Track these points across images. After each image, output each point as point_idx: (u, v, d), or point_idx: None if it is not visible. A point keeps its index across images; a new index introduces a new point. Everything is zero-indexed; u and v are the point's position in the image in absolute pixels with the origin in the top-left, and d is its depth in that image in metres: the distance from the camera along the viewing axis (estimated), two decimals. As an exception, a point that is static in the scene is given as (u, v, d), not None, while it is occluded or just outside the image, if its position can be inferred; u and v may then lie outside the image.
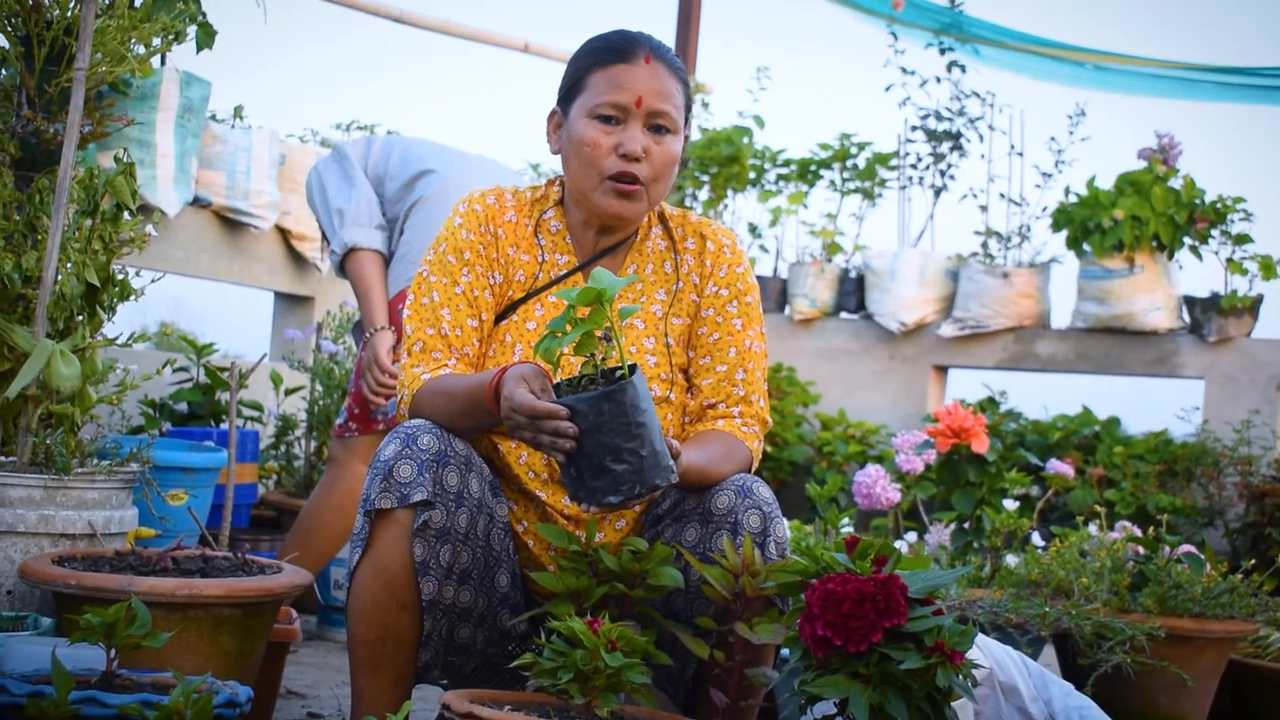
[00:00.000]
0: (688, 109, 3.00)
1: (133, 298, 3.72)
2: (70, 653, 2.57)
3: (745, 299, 3.02)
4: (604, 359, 2.57)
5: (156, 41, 3.93)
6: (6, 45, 3.89)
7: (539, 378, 2.61)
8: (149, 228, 3.75)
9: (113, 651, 2.55)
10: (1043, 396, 7.54)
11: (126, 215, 3.72)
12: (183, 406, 5.54)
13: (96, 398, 3.61)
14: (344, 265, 4.55)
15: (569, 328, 2.51)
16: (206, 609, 2.97)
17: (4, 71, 3.99)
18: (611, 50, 2.93)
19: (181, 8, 4.02)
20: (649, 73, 2.91)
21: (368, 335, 4.47)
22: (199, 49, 4.40)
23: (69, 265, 3.56)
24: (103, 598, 2.91)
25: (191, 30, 4.17)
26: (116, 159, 3.71)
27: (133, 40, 3.83)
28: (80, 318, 3.62)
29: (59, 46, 3.78)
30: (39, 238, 3.59)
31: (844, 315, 8.00)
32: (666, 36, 8.58)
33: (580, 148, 2.91)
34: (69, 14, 3.77)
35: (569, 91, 2.97)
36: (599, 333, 2.53)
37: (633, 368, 2.55)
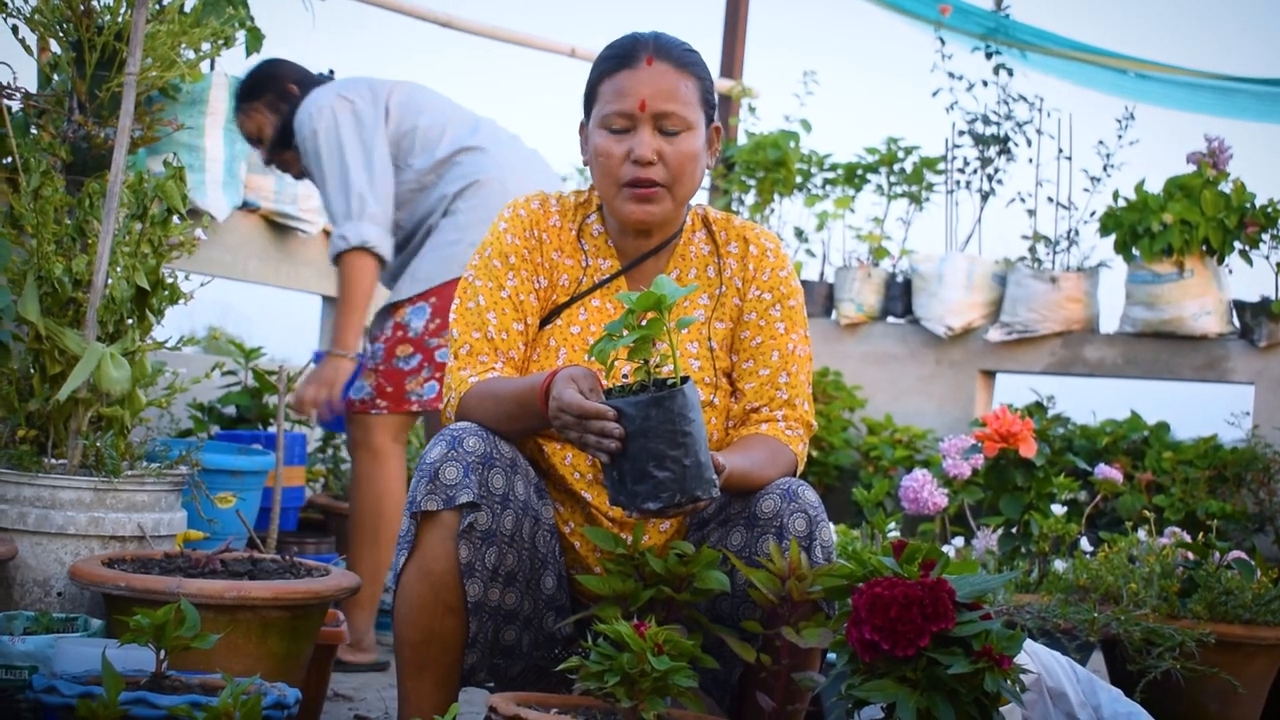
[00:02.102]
0: (709, 102, 2.97)
1: (182, 301, 3.75)
2: (120, 654, 2.59)
3: (788, 303, 3.01)
4: (658, 365, 2.57)
5: (206, 46, 3.96)
6: (58, 51, 3.92)
7: (589, 379, 2.61)
8: (198, 232, 3.78)
9: (162, 653, 2.57)
10: (1091, 401, 7.49)
11: (176, 219, 3.74)
12: (231, 410, 5.57)
13: (146, 401, 3.64)
14: (344, 257, 4.43)
15: (625, 331, 2.52)
16: (255, 611, 2.99)
17: (56, 77, 4.03)
18: (615, 57, 2.93)
19: (230, 13, 4.05)
20: (651, 75, 2.89)
21: (332, 353, 4.35)
22: (248, 53, 4.43)
23: (119, 269, 3.59)
24: (152, 599, 2.93)
25: (240, 35, 4.19)
26: (166, 163, 3.74)
27: (182, 45, 3.85)
28: (130, 321, 3.64)
29: (110, 52, 3.81)
30: (89, 242, 3.62)
31: (891, 320, 7.97)
32: (713, 41, 8.61)
33: (597, 159, 2.93)
34: (120, 19, 3.80)
35: (587, 104, 2.99)
36: (657, 343, 2.54)
37: (685, 378, 2.55)
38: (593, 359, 2.65)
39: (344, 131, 4.46)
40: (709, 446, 2.59)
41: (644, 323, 2.52)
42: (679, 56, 2.93)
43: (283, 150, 4.68)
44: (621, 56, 2.92)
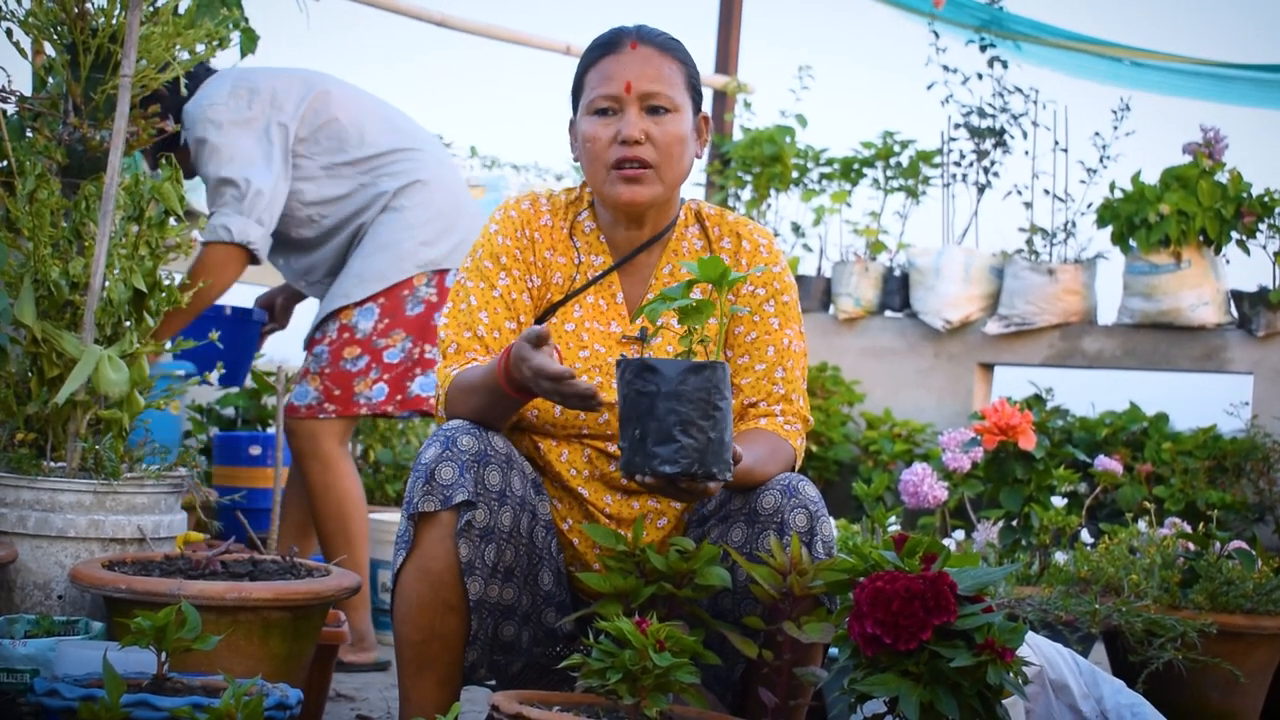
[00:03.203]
0: (695, 88, 2.99)
1: (179, 303, 3.74)
2: (121, 656, 2.59)
3: (782, 298, 3.01)
4: (702, 339, 2.60)
5: (200, 48, 3.95)
6: (53, 54, 3.92)
7: (535, 333, 2.61)
8: (195, 233, 3.77)
9: (163, 655, 2.57)
10: (1090, 393, 7.49)
11: (173, 221, 3.74)
12: (230, 411, 5.58)
13: (144, 403, 3.63)
14: (216, 248, 4.21)
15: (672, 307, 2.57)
16: (256, 612, 2.98)
17: (50, 80, 4.02)
18: (600, 45, 2.96)
19: (225, 14, 4.03)
20: (635, 58, 2.92)
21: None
22: (242, 55, 4.41)
23: (116, 271, 3.58)
24: (153, 601, 2.93)
25: (235, 36, 4.17)
26: (162, 165, 3.73)
27: (177, 46, 3.84)
28: (128, 324, 3.64)
29: (104, 54, 3.80)
30: (86, 244, 3.61)
31: (888, 314, 7.97)
32: (708, 37, 8.61)
33: (585, 145, 2.94)
34: (114, 22, 3.79)
35: (574, 97, 3.01)
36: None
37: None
38: (642, 319, 2.75)
39: (244, 127, 4.30)
40: None
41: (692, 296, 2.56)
42: (663, 42, 2.96)
43: (166, 151, 4.29)
44: (606, 44, 2.96)
